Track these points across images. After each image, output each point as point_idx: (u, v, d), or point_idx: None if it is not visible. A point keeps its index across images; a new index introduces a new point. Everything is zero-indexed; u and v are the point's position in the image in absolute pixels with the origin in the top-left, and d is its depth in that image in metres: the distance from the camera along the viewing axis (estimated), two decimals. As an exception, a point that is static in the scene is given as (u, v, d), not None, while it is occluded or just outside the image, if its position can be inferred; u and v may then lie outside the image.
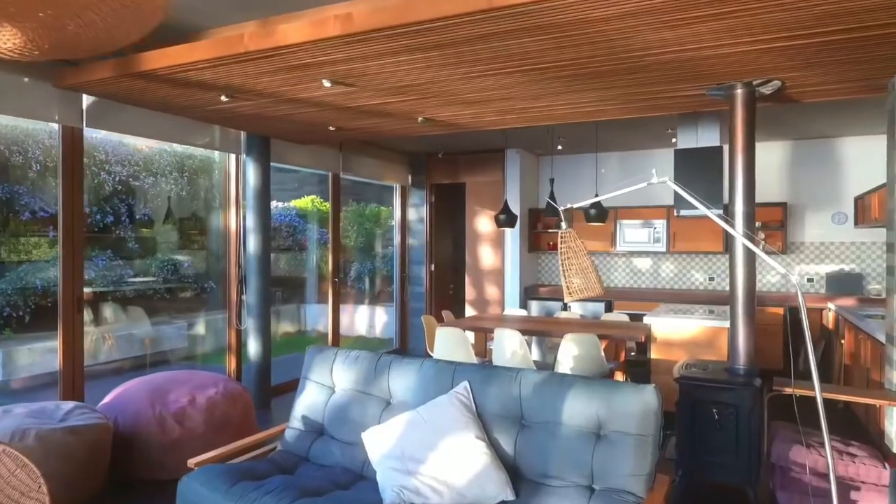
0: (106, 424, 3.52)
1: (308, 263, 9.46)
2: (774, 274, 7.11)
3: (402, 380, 3.04)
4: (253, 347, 5.52)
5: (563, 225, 2.87)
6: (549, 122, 4.74)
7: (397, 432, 2.74)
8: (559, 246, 2.88)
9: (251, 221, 5.50)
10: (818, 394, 2.38)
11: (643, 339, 4.92)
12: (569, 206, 2.90)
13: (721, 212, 5.50)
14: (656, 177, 2.65)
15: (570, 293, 2.82)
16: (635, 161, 7.74)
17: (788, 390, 3.27)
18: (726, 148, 4.01)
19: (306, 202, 9.17)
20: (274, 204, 9.52)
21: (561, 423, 2.60)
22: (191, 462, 2.72)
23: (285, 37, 2.89)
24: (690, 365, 3.81)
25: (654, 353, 5.01)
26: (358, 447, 2.89)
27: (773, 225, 6.78)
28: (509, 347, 4.98)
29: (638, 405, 2.48)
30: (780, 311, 6.53)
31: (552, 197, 6.01)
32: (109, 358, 6.76)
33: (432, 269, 8.35)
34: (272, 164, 6.06)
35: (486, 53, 3.03)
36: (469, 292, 8.03)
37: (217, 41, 3.11)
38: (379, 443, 2.76)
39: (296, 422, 3.20)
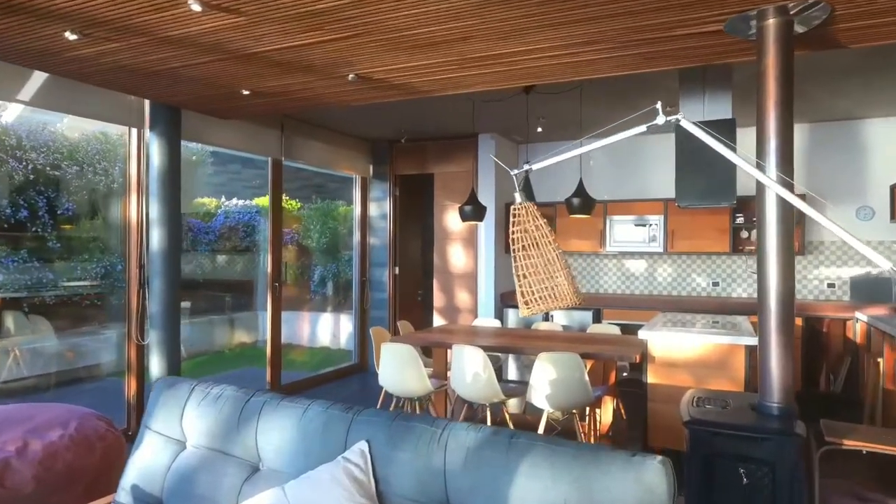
0: None
1: (265, 266, 8.47)
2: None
3: (275, 433, 2.00)
4: (156, 367, 4.45)
5: (518, 197, 1.86)
6: (522, 82, 3.73)
7: (249, 526, 1.71)
8: (510, 228, 1.86)
9: (155, 211, 4.45)
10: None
11: (638, 360, 3.91)
12: (526, 167, 1.89)
13: (734, 202, 4.52)
14: (662, 114, 1.63)
15: (525, 303, 1.81)
16: (627, 148, 6.74)
17: (851, 443, 2.25)
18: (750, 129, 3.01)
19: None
20: (234, 201, 8.53)
21: (507, 518, 1.57)
22: None
23: None
24: (703, 399, 2.79)
25: (651, 376, 3.99)
26: (203, 540, 1.86)
27: (789, 221, 5.80)
28: (470, 369, 3.95)
29: (634, 493, 1.46)
30: (797, 321, 5.54)
31: (527, 184, 4.98)
32: (14, 375, 5.70)
33: (396, 272, 7.31)
34: (213, 148, 5.04)
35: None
36: (438, 299, 7.00)
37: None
38: (223, 540, 1.73)
39: (123, 494, 2.16)
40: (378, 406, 4.72)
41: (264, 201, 8.27)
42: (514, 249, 1.81)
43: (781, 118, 2.67)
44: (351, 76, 3.54)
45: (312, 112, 5.85)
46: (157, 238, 4.46)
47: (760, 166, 2.65)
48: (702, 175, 4.31)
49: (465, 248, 6.82)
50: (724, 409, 2.63)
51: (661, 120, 1.61)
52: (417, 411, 4.41)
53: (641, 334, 4.00)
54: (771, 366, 2.58)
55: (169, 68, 3.47)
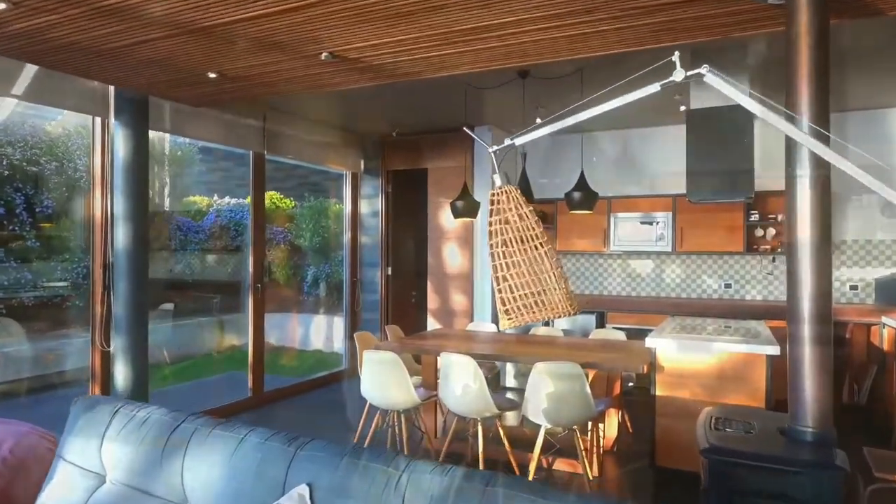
0: None
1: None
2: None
3: (203, 469, 1.64)
4: (121, 376, 4.11)
5: (496, 180, 1.49)
6: (514, 62, 3.36)
7: None
8: (489, 219, 1.49)
9: (120, 206, 4.11)
10: None
11: (645, 370, 3.53)
12: (508, 141, 1.52)
13: (752, 197, 4.15)
14: (681, 69, 1.26)
15: (505, 312, 1.43)
16: (633, 140, 6.36)
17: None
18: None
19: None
20: (226, 199, 8.19)
21: None
22: None
23: None
24: (722, 419, 2.41)
25: (660, 388, 3.61)
26: None
27: (807, 218, 5.39)
28: (460, 380, 3.58)
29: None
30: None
31: (523, 177, 4.60)
32: (-17, 380, 5.39)
33: (389, 272, 6.94)
34: (202, 143, 4.70)
35: None
36: (432, 300, 6.63)
37: None
38: None
39: (26, 540, 1.80)
40: (362, 418, 4.35)
41: (257, 199, 7.92)
42: (492, 245, 1.44)
43: (816, 96, 2.29)
44: (324, 55, 3.17)
45: (296, 103, 5.50)
46: (121, 236, 4.11)
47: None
48: (716, 167, 3.94)
49: (460, 248, 6.45)
50: (747, 433, 2.25)
51: (679, 76, 1.23)
52: (403, 424, 4.05)
53: (649, 342, 3.62)
54: (804, 383, 2.20)
55: (120, 47, 3.11)
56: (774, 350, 3.26)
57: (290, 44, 3.05)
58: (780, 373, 3.18)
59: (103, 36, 2.95)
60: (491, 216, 1.45)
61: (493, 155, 1.49)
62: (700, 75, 1.22)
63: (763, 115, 1.23)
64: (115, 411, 1.90)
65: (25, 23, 2.77)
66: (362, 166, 6.91)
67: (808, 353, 2.21)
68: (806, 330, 2.22)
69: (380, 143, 6.80)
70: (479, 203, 4.74)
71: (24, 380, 5.47)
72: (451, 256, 6.48)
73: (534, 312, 1.39)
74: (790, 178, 2.28)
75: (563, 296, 1.40)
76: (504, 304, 1.41)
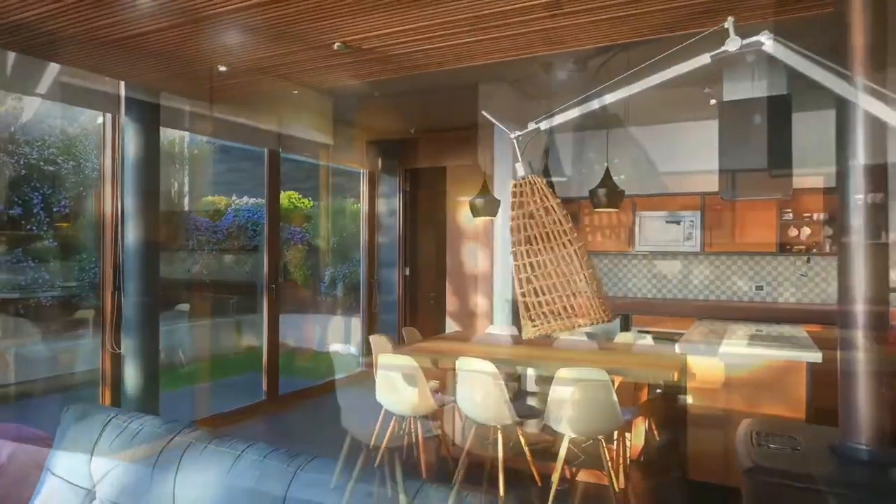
0: None
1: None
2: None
3: (196, 489, 1.50)
4: (131, 378, 4.02)
5: (519, 169, 1.32)
6: (540, 50, 3.18)
7: None
8: (512, 213, 1.32)
9: (130, 205, 4.02)
10: None
11: (675, 378, 3.32)
12: (532, 125, 1.35)
13: (790, 195, 3.92)
14: (736, 37, 1.08)
15: (530, 319, 1.26)
16: (659, 138, 6.12)
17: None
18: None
19: (282, 198, 7.79)
20: (244, 199, 8.14)
21: None
22: None
23: None
24: (763, 435, 2.21)
25: (692, 397, 3.40)
26: None
27: (845, 217, 5.11)
28: (479, 387, 3.41)
29: None
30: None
31: (546, 168, 4.42)
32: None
33: (407, 273, 6.80)
34: (220, 142, 4.61)
35: None
36: (450, 302, 6.47)
37: None
38: None
39: (10, 561, 1.68)
40: (378, 424, 4.20)
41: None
42: (514, 242, 1.28)
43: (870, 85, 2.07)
44: (336, 45, 3.03)
45: (312, 100, 5.39)
46: (132, 235, 4.02)
47: (843, 152, 2.06)
48: (751, 162, 3.71)
49: (480, 248, 6.28)
50: (794, 450, 2.04)
51: (733, 45, 1.05)
52: (420, 431, 3.89)
53: (680, 348, 3.41)
54: (857, 396, 1.99)
55: (123, 38, 3.01)
56: (816, 357, 3.04)
57: (300, 33, 2.91)
58: (821, 382, 2.96)
59: (104, 26, 2.84)
60: (513, 210, 1.28)
61: (515, 142, 1.33)
62: (759, 43, 1.04)
63: (836, 88, 1.05)
64: (107, 422, 1.77)
65: (26, 13, 2.68)
66: (379, 165, 6.78)
67: (862, 362, 2.01)
68: (860, 336, 2.02)
69: (397, 140, 6.67)
70: (499, 201, 4.57)
71: (38, 381, 5.44)
72: (471, 257, 6.32)
73: (562, 319, 1.21)
74: (842, 169, 2.07)
75: (596, 300, 1.22)
76: (528, 310, 1.24)
